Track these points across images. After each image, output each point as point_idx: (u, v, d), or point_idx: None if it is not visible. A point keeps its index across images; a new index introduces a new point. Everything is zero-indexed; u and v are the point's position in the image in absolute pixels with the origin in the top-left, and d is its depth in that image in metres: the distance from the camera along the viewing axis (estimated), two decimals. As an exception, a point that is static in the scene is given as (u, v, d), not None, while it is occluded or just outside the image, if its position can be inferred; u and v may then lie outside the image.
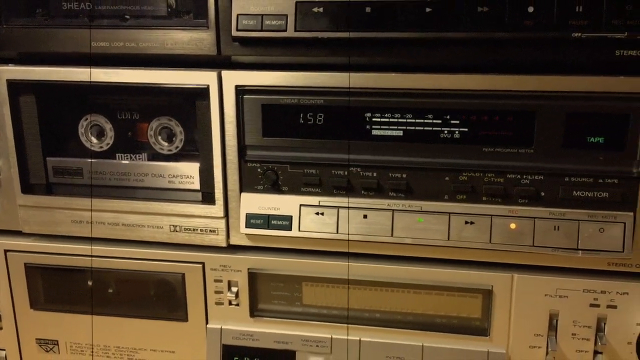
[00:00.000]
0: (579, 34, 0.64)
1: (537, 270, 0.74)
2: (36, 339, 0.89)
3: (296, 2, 0.68)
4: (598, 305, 0.73)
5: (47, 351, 0.89)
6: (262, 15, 0.69)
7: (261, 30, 0.70)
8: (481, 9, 0.65)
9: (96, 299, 0.85)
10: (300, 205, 0.76)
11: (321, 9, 0.68)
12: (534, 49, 0.66)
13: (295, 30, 0.69)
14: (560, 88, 0.67)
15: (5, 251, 0.85)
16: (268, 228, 0.77)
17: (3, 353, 0.90)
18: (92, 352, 0.88)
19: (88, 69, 0.76)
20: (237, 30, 0.70)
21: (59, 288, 0.86)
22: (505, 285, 0.74)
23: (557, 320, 0.74)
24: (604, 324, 0.73)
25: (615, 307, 0.72)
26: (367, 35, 0.68)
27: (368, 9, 0.67)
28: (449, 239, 0.73)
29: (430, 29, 0.66)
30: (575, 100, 0.67)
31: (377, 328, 0.79)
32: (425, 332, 0.78)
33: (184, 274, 0.82)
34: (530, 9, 0.64)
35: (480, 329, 0.77)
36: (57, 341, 0.88)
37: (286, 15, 0.69)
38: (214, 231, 0.79)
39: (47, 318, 0.88)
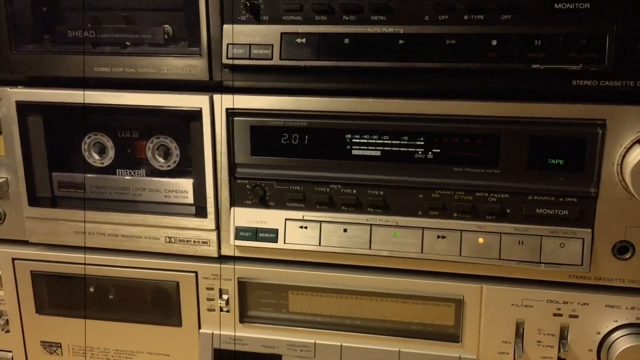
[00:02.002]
0: (538, 66, 0.68)
1: (505, 282, 0.78)
2: (41, 341, 0.93)
3: (281, 33, 0.73)
4: (561, 315, 0.77)
5: (50, 353, 0.93)
6: (250, 44, 0.74)
7: (249, 59, 0.74)
8: (449, 42, 0.70)
9: (96, 305, 0.90)
10: (286, 219, 0.80)
11: (304, 40, 0.73)
12: (498, 78, 0.70)
13: (281, 59, 0.74)
14: (523, 114, 0.71)
15: (13, 259, 0.89)
16: (256, 240, 0.81)
17: (10, 355, 0.94)
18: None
19: (91, 92, 0.81)
20: (227, 58, 0.75)
21: (63, 294, 0.90)
22: (475, 295, 0.79)
23: (523, 328, 0.78)
24: (567, 332, 0.77)
25: (576, 316, 0.76)
26: (345, 64, 0.73)
27: (346, 40, 0.72)
28: (422, 252, 0.77)
29: (403, 59, 0.71)
30: (537, 125, 0.72)
31: (357, 334, 0.83)
32: (402, 338, 0.82)
33: (178, 282, 0.86)
34: (494, 42, 0.69)
35: (452, 336, 0.81)
36: (60, 344, 0.92)
37: (272, 45, 0.74)
38: (206, 242, 0.84)
39: (51, 322, 0.92)
